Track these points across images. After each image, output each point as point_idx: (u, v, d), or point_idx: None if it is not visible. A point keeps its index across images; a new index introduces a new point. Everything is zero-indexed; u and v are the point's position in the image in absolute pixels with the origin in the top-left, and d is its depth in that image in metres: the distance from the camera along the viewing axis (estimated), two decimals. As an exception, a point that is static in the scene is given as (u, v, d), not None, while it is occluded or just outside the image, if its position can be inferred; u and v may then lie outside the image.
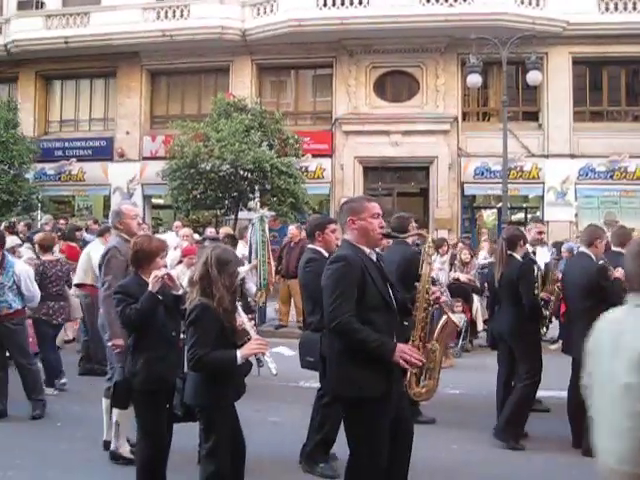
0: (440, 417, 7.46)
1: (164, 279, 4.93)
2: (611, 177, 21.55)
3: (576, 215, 21.28)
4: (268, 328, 13.05)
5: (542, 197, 21.81)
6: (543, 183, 21.70)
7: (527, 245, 7.01)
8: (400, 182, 22.98)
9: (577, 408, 6.48)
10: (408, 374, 4.24)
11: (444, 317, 4.48)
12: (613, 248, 6.93)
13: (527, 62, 18.38)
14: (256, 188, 14.97)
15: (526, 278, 6.56)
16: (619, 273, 6.46)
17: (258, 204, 11.97)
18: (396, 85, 22.75)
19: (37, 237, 9.65)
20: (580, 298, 6.50)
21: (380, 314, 4.14)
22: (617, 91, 22.77)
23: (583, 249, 6.83)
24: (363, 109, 22.26)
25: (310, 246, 6.09)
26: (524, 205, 23.45)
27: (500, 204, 19.94)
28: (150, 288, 4.82)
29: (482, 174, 21.71)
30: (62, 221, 16.89)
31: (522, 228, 8.30)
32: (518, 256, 6.72)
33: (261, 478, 5.34)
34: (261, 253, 10.81)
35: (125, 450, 5.97)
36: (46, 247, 8.92)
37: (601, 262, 6.54)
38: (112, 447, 5.99)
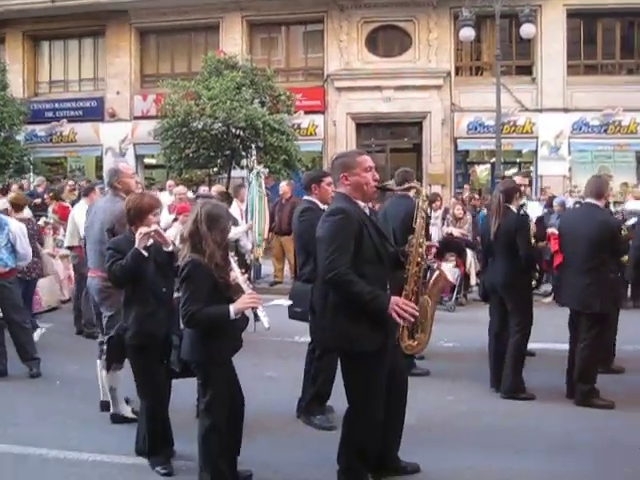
0: (434, 369, 7.59)
1: (152, 236, 4.91)
2: (605, 131, 21.45)
3: (570, 169, 21.26)
4: (263, 285, 13.12)
5: (536, 152, 21.73)
6: (537, 138, 21.59)
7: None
8: (393, 138, 22.84)
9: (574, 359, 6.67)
10: (401, 327, 4.27)
11: (437, 271, 4.50)
12: (587, 199, 6.69)
13: (520, 15, 18.23)
14: (252, 146, 14.87)
15: (523, 230, 6.61)
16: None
17: (255, 161, 11.91)
18: (388, 40, 22.46)
19: (9, 196, 9.74)
20: (587, 251, 6.40)
21: (374, 267, 4.17)
22: (611, 44, 22.51)
23: (591, 200, 6.60)
24: (355, 65, 22.02)
25: (306, 197, 6.10)
26: (517, 160, 23.36)
27: (494, 159, 19.90)
28: (136, 245, 4.81)
29: (475, 129, 21.61)
30: (70, 182, 16.69)
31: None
32: (514, 208, 6.75)
33: (260, 432, 5.41)
34: (258, 209, 10.82)
35: (127, 411, 6.03)
36: (18, 206, 9.03)
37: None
38: (112, 411, 6.04)
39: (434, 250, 4.68)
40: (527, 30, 18.53)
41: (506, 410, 6.37)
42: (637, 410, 4.66)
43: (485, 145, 21.40)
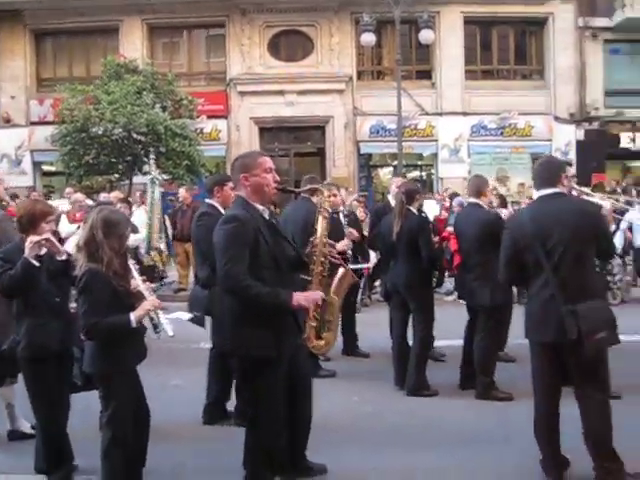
0: (340, 370, 7.66)
1: (43, 244, 4.69)
2: (502, 134, 22.22)
3: (469, 172, 21.77)
4: (168, 292, 12.91)
5: (436, 154, 22.30)
6: (437, 140, 22.15)
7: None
8: (296, 142, 22.94)
9: (471, 354, 6.86)
10: (307, 328, 4.28)
11: (341, 269, 4.52)
12: (470, 199, 7.05)
13: (420, 21, 18.66)
14: (151, 150, 14.62)
15: (425, 231, 6.77)
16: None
17: (153, 166, 11.69)
18: (290, 44, 22.58)
19: None
20: (472, 248, 6.76)
21: (271, 273, 4.16)
22: (506, 51, 23.33)
23: (473, 199, 6.98)
24: (258, 69, 22.02)
25: (207, 200, 6.04)
26: (419, 163, 23.84)
27: (396, 162, 20.24)
28: (26, 254, 4.60)
29: (377, 132, 21.95)
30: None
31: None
32: (414, 209, 6.88)
33: (166, 441, 5.31)
34: (148, 216, 10.63)
35: (26, 427, 5.81)
36: None
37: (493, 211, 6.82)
38: (9, 427, 5.81)
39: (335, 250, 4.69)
40: (426, 36, 18.98)
41: (410, 408, 6.47)
42: (532, 400, 4.80)
43: (387, 148, 21.75)
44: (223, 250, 4.09)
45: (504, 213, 8.48)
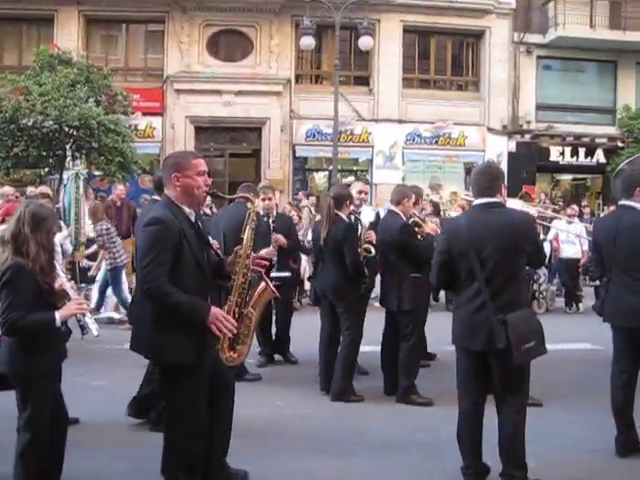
0: (266, 374, 7.67)
1: None
2: (436, 143, 22.58)
3: (403, 179, 22.00)
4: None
5: (371, 160, 22.50)
6: (372, 147, 22.36)
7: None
8: (232, 143, 22.77)
9: (389, 359, 6.96)
10: (222, 339, 4.22)
11: (262, 283, 4.47)
12: (390, 207, 7.20)
13: (359, 27, 18.76)
14: (67, 147, 14.11)
15: (350, 237, 6.75)
16: (429, 229, 6.90)
17: (71, 162, 11.37)
18: (230, 44, 22.44)
19: None
20: (388, 253, 6.92)
21: (194, 278, 4.08)
22: (443, 61, 23.71)
23: (392, 207, 7.12)
24: (195, 67, 21.78)
25: (154, 197, 5.96)
26: (354, 168, 23.98)
27: (332, 167, 20.32)
28: None
29: (313, 136, 22.02)
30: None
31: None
32: (344, 215, 6.88)
33: (84, 443, 5.18)
34: (74, 211, 10.40)
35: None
36: None
37: (412, 220, 6.90)
38: None
39: (263, 264, 4.64)
40: (365, 42, 19.11)
41: (334, 413, 6.48)
42: (453, 406, 4.87)
43: (323, 152, 21.80)
44: (144, 253, 4.00)
45: (435, 221, 8.63)
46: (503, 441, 4.62)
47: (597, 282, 9.85)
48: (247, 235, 4.44)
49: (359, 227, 7.02)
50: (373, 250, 7.00)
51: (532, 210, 7.09)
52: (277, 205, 12.17)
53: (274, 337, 8.48)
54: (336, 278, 6.82)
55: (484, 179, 4.74)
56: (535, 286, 12.27)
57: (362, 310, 7.05)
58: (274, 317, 8.42)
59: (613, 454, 5.46)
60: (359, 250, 6.91)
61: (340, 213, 6.86)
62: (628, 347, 5.42)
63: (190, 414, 4.13)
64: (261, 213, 8.14)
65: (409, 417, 6.37)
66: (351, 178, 23.54)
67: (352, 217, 7.02)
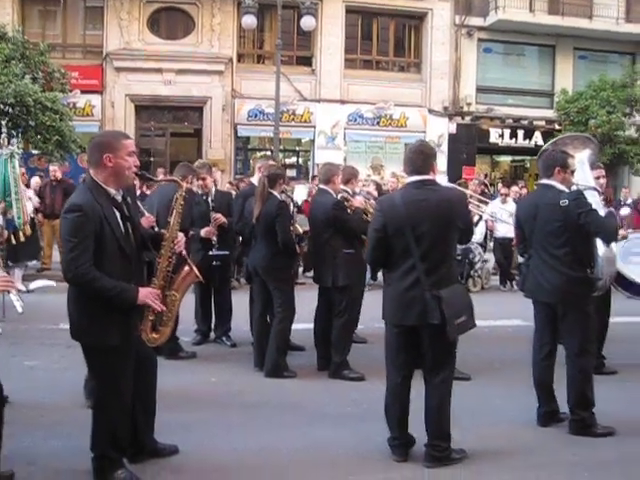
0: (201, 352, 7.74)
1: None
2: (378, 123, 22.72)
3: (345, 159, 22.15)
4: (31, 271, 12.50)
5: (313, 141, 22.55)
6: (314, 127, 22.38)
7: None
8: (174, 122, 22.53)
9: (322, 335, 7.10)
10: (144, 320, 4.27)
11: (186, 267, 4.51)
12: (320, 185, 7.32)
13: (302, 7, 18.67)
14: (2, 124, 13.78)
15: (282, 216, 6.80)
16: (357, 202, 7.02)
17: (5, 140, 11.13)
18: (171, 22, 22.15)
19: None
20: (321, 231, 7.00)
21: (117, 262, 4.11)
22: (386, 42, 23.83)
23: (322, 186, 7.23)
24: (136, 45, 21.42)
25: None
26: (297, 148, 24.04)
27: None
28: None
29: (255, 116, 21.93)
30: None
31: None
32: (277, 193, 6.94)
33: (17, 424, 5.13)
34: (14, 191, 10.22)
35: None
36: None
37: (340, 195, 7.01)
38: None
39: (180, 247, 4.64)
40: (307, 22, 19.01)
41: (268, 389, 6.56)
42: (384, 381, 5.00)
43: (265, 132, 21.80)
44: (66, 240, 4.02)
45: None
46: (429, 413, 4.78)
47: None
48: (173, 219, 4.46)
49: (291, 205, 7.10)
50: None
51: (467, 192, 7.25)
52: (216, 183, 12.16)
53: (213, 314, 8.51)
54: (267, 256, 6.89)
55: (418, 157, 4.81)
56: (470, 265, 12.50)
57: (292, 287, 7.15)
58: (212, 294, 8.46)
59: (535, 424, 5.67)
60: (292, 228, 7.00)
61: (273, 191, 6.91)
62: (548, 321, 5.62)
63: (116, 392, 4.20)
64: (200, 192, 8.19)
65: (341, 392, 6.49)
66: (294, 158, 23.72)
67: (284, 195, 7.09)
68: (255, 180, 7.57)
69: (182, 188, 4.60)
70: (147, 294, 4.10)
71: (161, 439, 4.76)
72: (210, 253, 7.97)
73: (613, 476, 4.80)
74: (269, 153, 22.10)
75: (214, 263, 8.01)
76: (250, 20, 18.73)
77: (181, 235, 4.55)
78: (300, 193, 10.29)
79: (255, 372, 7.04)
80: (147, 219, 5.77)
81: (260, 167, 7.74)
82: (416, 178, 4.78)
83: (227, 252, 8.19)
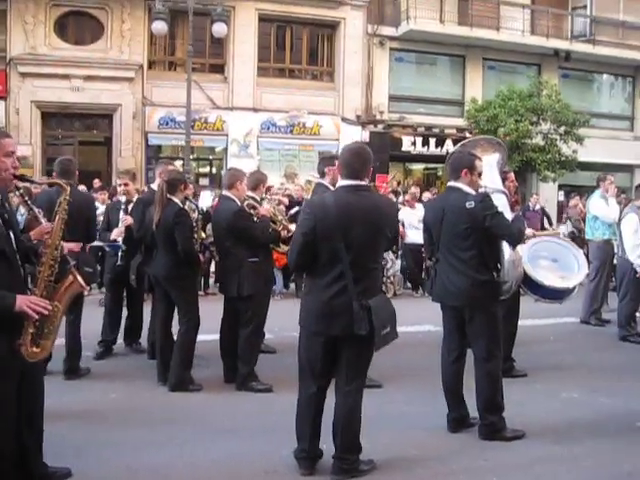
0: (101, 366, 7.45)
1: None
2: (291, 132, 22.61)
3: (258, 167, 21.84)
4: None
5: (226, 149, 22.24)
6: (227, 135, 22.08)
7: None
8: (82, 130, 21.82)
9: (229, 346, 6.88)
10: (24, 333, 3.96)
11: (70, 277, 4.21)
12: (224, 192, 7.11)
13: (213, 14, 18.49)
14: None
15: (182, 223, 6.55)
16: (264, 210, 6.85)
17: None
18: (79, 27, 21.42)
19: None
20: (224, 239, 6.79)
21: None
22: (299, 51, 23.78)
23: (225, 192, 7.01)
24: (42, 50, 20.62)
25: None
26: (210, 157, 23.71)
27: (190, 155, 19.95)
28: None
29: (167, 124, 21.43)
30: None
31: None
32: (178, 200, 6.68)
33: None
34: None
35: None
36: None
37: (246, 202, 6.84)
38: None
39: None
40: (219, 29, 18.84)
41: (172, 404, 6.30)
42: (292, 392, 4.84)
43: (177, 141, 21.32)
44: None
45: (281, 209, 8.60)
46: (339, 423, 4.63)
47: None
48: (56, 225, 4.18)
49: (195, 212, 6.87)
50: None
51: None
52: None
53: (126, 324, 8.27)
54: (169, 264, 6.63)
55: (356, 161, 4.61)
56: (382, 271, 12.53)
57: (196, 297, 6.93)
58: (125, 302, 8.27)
59: (445, 430, 5.62)
60: (195, 236, 6.78)
61: (173, 197, 6.66)
62: (456, 326, 5.58)
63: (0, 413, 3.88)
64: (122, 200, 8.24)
65: (248, 404, 6.30)
66: (207, 168, 23.44)
67: (187, 202, 6.86)
68: (155, 186, 7.29)
69: (66, 192, 4.30)
70: (25, 301, 3.78)
71: (52, 462, 4.44)
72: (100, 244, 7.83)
73: (523, 479, 4.78)
74: (179, 161, 21.84)
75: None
76: (160, 26, 18.45)
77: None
78: (206, 199, 10.08)
79: (159, 387, 6.76)
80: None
81: (160, 172, 7.47)
82: (350, 182, 4.57)
83: (120, 244, 7.95)
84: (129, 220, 7.76)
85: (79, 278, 4.20)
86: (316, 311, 4.58)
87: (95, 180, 17.50)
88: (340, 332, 4.50)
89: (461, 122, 23.86)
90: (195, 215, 6.94)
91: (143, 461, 4.93)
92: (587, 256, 9.54)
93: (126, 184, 8.05)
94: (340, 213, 4.45)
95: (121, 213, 7.99)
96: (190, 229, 6.68)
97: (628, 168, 26.96)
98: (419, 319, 9.65)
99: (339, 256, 4.43)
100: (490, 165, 6.07)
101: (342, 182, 4.65)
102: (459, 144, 6.45)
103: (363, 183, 4.60)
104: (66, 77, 20.45)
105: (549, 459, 5.13)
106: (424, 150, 24.09)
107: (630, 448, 5.41)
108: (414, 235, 12.62)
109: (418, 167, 26.45)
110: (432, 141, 24.05)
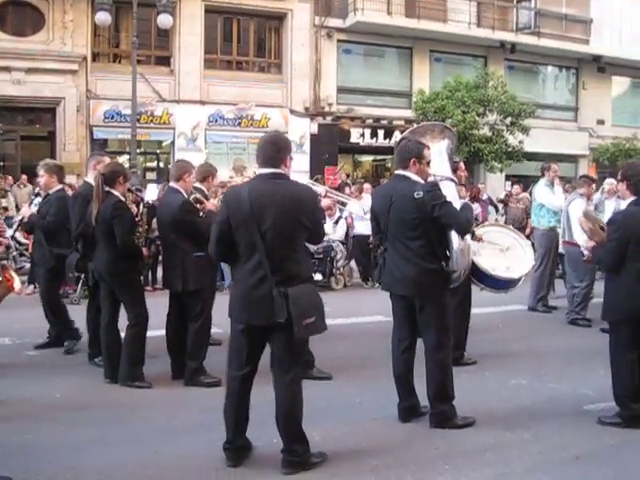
0: (46, 364, 7.27)
1: None
2: (239, 124, 22.47)
3: (207, 160, 21.74)
4: None
5: (173, 143, 21.98)
6: (174, 128, 21.84)
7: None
8: (24, 124, 21.33)
9: (176, 342, 6.76)
10: None
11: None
12: (170, 183, 6.92)
13: (158, 5, 18.24)
14: None
15: (121, 216, 6.35)
16: (210, 204, 6.72)
17: None
18: (19, 18, 20.89)
19: None
20: (168, 232, 6.65)
21: None
22: (246, 43, 23.65)
23: (172, 184, 6.83)
24: (-20, 41, 20.19)
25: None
26: (158, 151, 23.41)
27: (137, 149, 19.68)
28: None
29: (112, 118, 21.09)
30: None
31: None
32: (118, 193, 6.50)
33: None
34: None
35: None
36: None
37: (193, 196, 6.71)
38: None
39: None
40: (164, 20, 18.61)
41: (119, 401, 6.15)
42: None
43: (122, 134, 20.92)
44: None
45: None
46: (280, 415, 4.58)
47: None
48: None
49: (141, 205, 6.71)
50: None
51: (319, 189, 7.10)
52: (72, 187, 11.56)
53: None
54: (110, 259, 6.44)
55: (271, 149, 4.61)
56: (332, 262, 12.49)
57: (142, 293, 6.77)
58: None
59: (396, 420, 5.60)
60: (139, 229, 6.63)
61: (113, 190, 6.47)
62: (406, 315, 5.56)
63: None
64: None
65: (197, 399, 6.17)
66: (155, 162, 23.15)
67: (131, 194, 6.69)
68: (90, 179, 7.08)
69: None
70: None
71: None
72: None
73: (474, 466, 4.79)
74: (126, 155, 21.52)
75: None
76: (104, 17, 18.12)
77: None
78: (152, 192, 9.90)
79: (105, 384, 6.58)
80: None
81: (94, 165, 7.23)
82: (266, 171, 4.57)
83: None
84: (24, 212, 7.66)
85: (15, 279, 4.06)
86: (239, 300, 4.58)
87: (23, 176, 17.40)
88: (262, 322, 4.48)
89: (409, 113, 23.96)
90: (140, 208, 6.74)
91: (88, 462, 4.78)
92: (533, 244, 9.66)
93: (42, 176, 7.80)
94: (253, 202, 4.44)
95: (25, 206, 7.80)
96: (130, 222, 6.46)
97: (572, 158, 27.52)
98: (370, 310, 9.63)
99: (256, 245, 4.43)
100: (440, 152, 6.04)
101: (258, 171, 4.66)
102: (408, 130, 6.41)
103: (279, 171, 4.58)
104: (6, 70, 20.00)
105: (499, 445, 5.15)
106: (373, 142, 24.22)
107: (578, 432, 5.47)
108: (361, 226, 12.60)
109: (367, 159, 26.55)
110: (380, 133, 24.18)
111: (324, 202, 6.33)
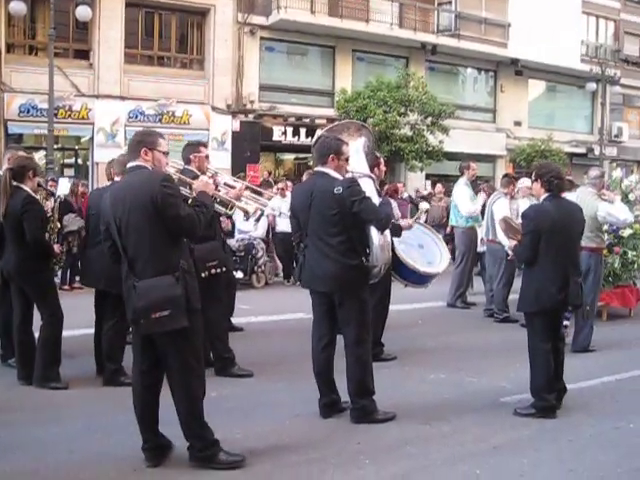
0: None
1: None
2: (160, 120, 22.03)
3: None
4: None
5: (92, 138, 21.45)
6: (93, 124, 21.30)
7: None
8: None
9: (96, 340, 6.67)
10: None
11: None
12: (116, 179, 6.76)
13: (76, -4, 17.83)
14: None
15: (31, 212, 6.15)
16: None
17: None
18: None
19: None
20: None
21: None
22: (168, 38, 23.33)
23: (118, 179, 6.60)
24: None
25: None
26: (76, 147, 22.82)
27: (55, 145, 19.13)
28: None
29: (28, 112, 20.36)
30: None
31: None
32: (27, 188, 6.27)
33: None
34: None
35: None
36: None
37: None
38: None
39: None
40: (82, 12, 18.24)
41: (34, 403, 5.96)
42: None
43: (39, 129, 20.30)
44: None
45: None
46: (178, 413, 4.53)
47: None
48: None
49: (53, 201, 6.51)
50: None
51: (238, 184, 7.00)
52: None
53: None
54: (20, 257, 6.23)
55: (132, 142, 4.71)
56: (254, 260, 12.45)
57: (55, 292, 6.56)
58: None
59: (317, 416, 5.61)
60: (50, 225, 6.44)
61: (22, 185, 6.25)
62: (325, 311, 5.57)
63: None
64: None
65: (116, 399, 5.98)
66: (73, 159, 22.57)
67: (42, 190, 6.48)
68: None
69: None
70: None
71: None
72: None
73: (395, 459, 4.83)
74: (42, 151, 20.94)
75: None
76: (19, 7, 17.68)
77: None
78: (63, 187, 9.56)
79: (20, 385, 6.38)
80: None
81: (9, 158, 6.96)
82: (130, 164, 4.60)
83: None
84: None
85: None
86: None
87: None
88: (130, 316, 4.45)
89: (331, 112, 24.07)
90: (51, 203, 6.53)
91: (2, 465, 4.62)
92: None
93: None
94: (111, 198, 4.51)
95: None
96: (40, 218, 6.24)
97: (491, 158, 28.17)
98: (291, 307, 9.64)
99: (116, 240, 4.47)
100: (357, 150, 6.08)
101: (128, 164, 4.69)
102: (325, 129, 6.44)
103: (137, 163, 4.57)
104: None
105: (420, 439, 5.22)
106: (295, 140, 24.21)
107: (495, 423, 5.60)
108: (283, 223, 12.59)
109: (289, 157, 26.54)
110: (303, 131, 24.20)
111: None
